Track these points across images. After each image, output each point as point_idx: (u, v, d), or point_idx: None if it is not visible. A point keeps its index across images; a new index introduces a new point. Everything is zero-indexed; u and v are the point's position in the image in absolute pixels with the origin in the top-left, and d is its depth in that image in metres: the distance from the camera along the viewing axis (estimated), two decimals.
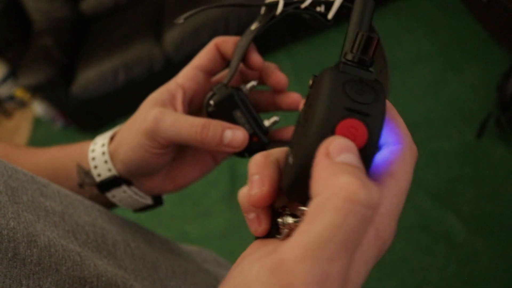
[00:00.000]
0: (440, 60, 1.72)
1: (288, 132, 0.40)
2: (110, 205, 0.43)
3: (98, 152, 0.40)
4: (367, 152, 0.19)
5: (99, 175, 0.39)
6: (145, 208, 0.44)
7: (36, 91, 2.16)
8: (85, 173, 0.40)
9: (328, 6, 0.36)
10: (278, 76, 0.39)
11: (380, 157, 0.21)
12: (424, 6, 1.95)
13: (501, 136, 1.37)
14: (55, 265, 0.28)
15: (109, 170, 0.39)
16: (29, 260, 0.27)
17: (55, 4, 2.36)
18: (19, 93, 2.52)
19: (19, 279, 0.26)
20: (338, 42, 2.04)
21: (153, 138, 0.35)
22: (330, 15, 0.36)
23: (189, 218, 1.73)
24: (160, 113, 0.35)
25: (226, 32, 2.03)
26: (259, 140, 0.38)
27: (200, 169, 0.42)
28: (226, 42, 0.39)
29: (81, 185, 0.41)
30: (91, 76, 2.12)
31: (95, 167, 0.39)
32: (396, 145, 0.22)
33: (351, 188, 0.18)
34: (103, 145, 0.40)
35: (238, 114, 0.37)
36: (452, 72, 1.65)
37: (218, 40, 0.39)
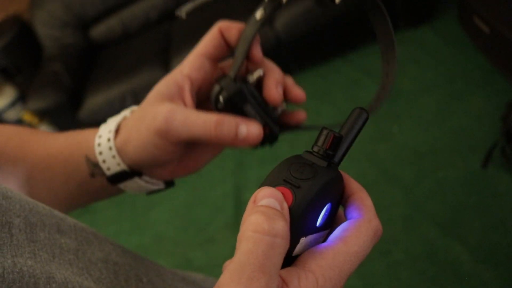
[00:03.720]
0: (445, 90, 1.73)
1: (296, 116, 0.40)
2: (122, 191, 0.43)
3: (105, 147, 0.39)
4: (293, 209, 0.24)
5: (108, 168, 0.39)
6: (159, 191, 0.44)
7: (44, 115, 2.19)
8: (94, 165, 0.39)
9: None
10: (297, 91, 0.40)
11: (340, 226, 0.26)
12: (428, 37, 1.99)
13: (507, 166, 1.37)
14: None
15: (118, 164, 0.39)
16: None
17: (66, 32, 2.41)
18: (27, 117, 2.54)
19: None
20: (342, 71, 2.07)
21: (164, 138, 0.35)
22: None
23: (193, 244, 1.72)
24: (170, 112, 0.35)
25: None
26: (271, 131, 0.38)
27: (211, 152, 0.41)
28: (230, 29, 0.38)
29: (92, 175, 0.40)
30: (98, 102, 2.15)
31: (104, 161, 0.39)
32: (355, 218, 0.26)
33: (257, 222, 0.23)
34: (108, 139, 0.39)
35: (248, 108, 0.37)
36: (457, 102, 1.66)
37: (222, 25, 0.38)
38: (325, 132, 0.27)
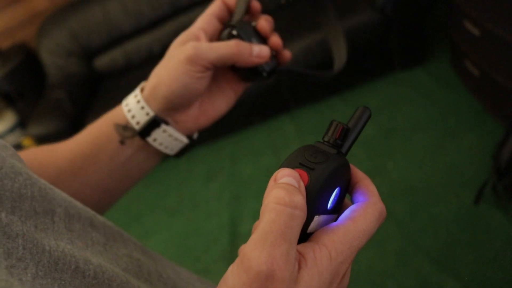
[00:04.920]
0: (438, 128, 1.79)
1: (285, 55, 0.48)
2: (151, 160, 0.47)
3: (133, 103, 0.44)
4: (309, 188, 0.28)
5: (137, 123, 0.44)
6: (183, 151, 0.49)
7: (44, 141, 2.21)
8: (123, 127, 0.44)
9: None
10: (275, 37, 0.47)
11: (348, 208, 0.30)
12: (422, 78, 2.07)
13: (498, 202, 1.41)
14: (108, 281, 0.31)
15: (147, 114, 0.44)
16: (87, 273, 0.30)
17: (70, 61, 2.47)
18: (27, 142, 2.56)
19: None
20: (339, 108, 2.13)
21: (195, 62, 0.41)
22: None
23: None
24: (197, 43, 0.42)
25: None
26: (272, 61, 0.46)
27: (225, 101, 0.48)
28: None
29: (122, 142, 0.45)
30: None
31: (133, 116, 0.44)
32: (362, 201, 0.30)
33: (279, 195, 0.26)
34: (135, 96, 0.45)
35: (254, 40, 0.45)
36: (449, 140, 1.72)
37: None
38: (334, 123, 0.31)
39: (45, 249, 0.28)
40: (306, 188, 0.28)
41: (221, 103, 0.48)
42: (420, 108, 1.93)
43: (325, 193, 0.29)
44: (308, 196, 0.27)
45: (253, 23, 0.47)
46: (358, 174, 0.32)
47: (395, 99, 2.01)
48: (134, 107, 0.44)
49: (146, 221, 2.08)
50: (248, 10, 0.47)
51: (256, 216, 1.86)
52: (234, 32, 0.44)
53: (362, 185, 0.31)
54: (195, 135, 0.50)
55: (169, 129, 0.45)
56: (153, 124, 0.44)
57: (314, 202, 0.28)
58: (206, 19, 0.45)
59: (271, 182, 0.28)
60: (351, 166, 0.32)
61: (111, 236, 0.38)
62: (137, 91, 0.45)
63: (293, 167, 0.29)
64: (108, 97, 2.40)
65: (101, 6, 2.43)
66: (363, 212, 0.29)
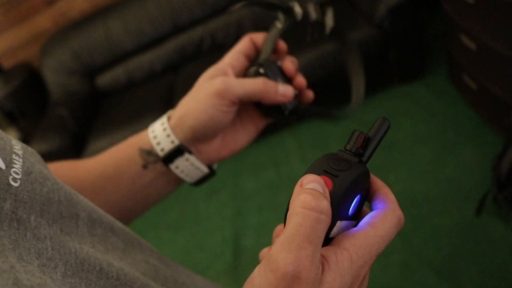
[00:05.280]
0: (438, 141, 1.81)
1: (307, 95, 0.50)
2: (170, 185, 0.49)
3: (159, 130, 0.46)
4: (333, 194, 0.29)
5: (162, 149, 0.46)
6: (202, 180, 0.50)
7: (47, 158, 2.20)
8: (148, 152, 0.46)
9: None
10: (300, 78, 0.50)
11: (368, 215, 0.31)
12: (421, 92, 2.09)
13: (499, 214, 1.42)
14: (130, 282, 0.32)
15: (172, 142, 0.45)
16: (111, 275, 0.31)
17: (73, 79, 2.50)
18: None
19: None
20: (339, 124, 2.15)
21: (223, 96, 0.43)
22: (327, 23, 0.49)
23: None
24: (226, 78, 0.44)
25: None
26: (295, 101, 0.48)
27: (247, 136, 0.50)
28: (258, 35, 0.49)
29: (145, 166, 0.46)
30: (102, 147, 2.20)
31: (158, 143, 0.46)
32: (381, 208, 0.31)
33: (306, 200, 0.27)
34: (162, 123, 0.47)
35: (279, 79, 0.47)
36: (450, 153, 1.74)
37: (251, 34, 0.49)
38: (357, 133, 0.32)
39: (72, 251, 0.29)
40: (330, 194, 0.29)
41: (242, 137, 0.50)
42: (419, 121, 1.95)
43: (347, 199, 0.30)
44: (331, 201, 0.28)
45: (279, 63, 0.48)
46: (377, 182, 0.33)
47: (394, 113, 2.03)
48: (160, 134, 0.46)
49: (149, 237, 2.08)
50: (275, 50, 0.49)
51: (259, 230, 1.87)
52: (261, 71, 0.46)
53: (382, 193, 0.32)
54: (215, 165, 0.51)
55: (192, 158, 0.46)
56: (177, 152, 0.46)
57: (337, 208, 0.29)
58: (234, 56, 0.47)
59: (297, 188, 0.29)
60: (371, 175, 0.33)
61: (129, 242, 0.39)
62: (164, 119, 0.47)
63: (317, 174, 0.30)
64: (110, 114, 2.42)
65: (103, 25, 2.47)
66: (382, 219, 0.30)
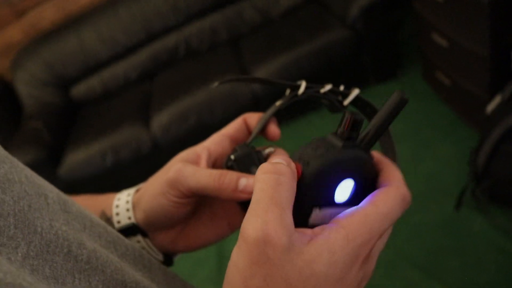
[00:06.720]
0: (415, 139, 1.83)
1: None
2: None
3: (123, 201, 0.42)
4: (303, 180, 0.28)
5: (118, 222, 0.42)
6: None
7: None
8: (106, 219, 0.42)
9: (344, 95, 0.41)
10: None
11: (370, 194, 0.29)
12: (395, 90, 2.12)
13: (478, 207, 1.45)
14: (101, 267, 0.30)
15: (129, 218, 0.42)
16: (80, 258, 0.29)
17: (46, 91, 2.46)
18: None
19: (73, 273, 0.28)
20: (317, 125, 2.15)
21: (174, 186, 0.38)
22: (345, 103, 0.41)
23: None
24: (182, 166, 0.39)
25: (212, 116, 2.14)
26: None
27: (215, 233, 0.43)
28: (253, 116, 0.43)
29: None
30: (79, 158, 2.16)
31: (117, 214, 0.42)
32: (384, 186, 0.30)
33: (264, 166, 0.28)
34: (128, 194, 0.43)
35: (254, 170, 0.39)
36: (427, 150, 1.76)
37: (247, 114, 0.43)
38: (347, 114, 0.29)
39: (37, 230, 0.27)
40: (299, 180, 0.28)
41: (207, 233, 0.43)
42: (396, 119, 1.96)
43: (322, 185, 0.29)
44: (302, 188, 0.28)
45: (266, 151, 0.41)
46: (383, 162, 0.32)
47: None
48: (122, 205, 0.42)
49: None
50: (264, 133, 0.43)
51: None
52: (231, 158, 0.40)
53: (386, 171, 0.31)
54: (175, 257, 0.46)
55: (144, 243, 0.42)
56: (130, 230, 0.42)
57: (309, 193, 0.28)
58: (216, 139, 0.42)
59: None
60: (378, 156, 0.31)
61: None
62: (132, 190, 0.43)
63: (293, 160, 0.29)
64: (86, 125, 2.38)
65: (76, 35, 2.43)
66: (384, 196, 0.28)
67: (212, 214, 0.44)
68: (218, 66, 2.26)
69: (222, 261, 1.74)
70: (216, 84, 0.42)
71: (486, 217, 1.43)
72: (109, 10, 2.45)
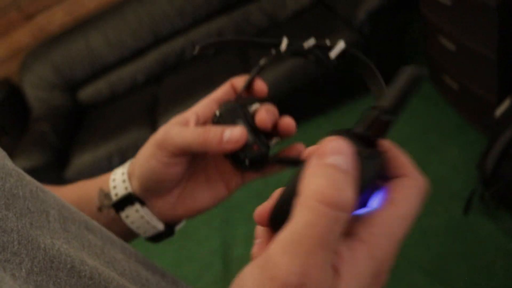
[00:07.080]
0: (422, 142, 1.82)
1: (290, 150, 0.42)
2: (125, 235, 0.44)
3: (119, 174, 0.43)
4: None
5: (116, 194, 0.43)
6: (156, 237, 0.46)
7: (30, 174, 2.17)
8: (105, 195, 0.43)
9: (330, 49, 0.40)
10: (287, 121, 0.42)
11: (380, 192, 0.24)
12: None
13: (487, 211, 1.43)
14: (104, 282, 0.31)
15: (126, 188, 0.42)
16: (83, 274, 0.29)
17: (54, 93, 2.47)
18: None
19: None
20: (324, 127, 2.15)
21: (162, 146, 0.39)
22: (332, 55, 0.39)
23: None
24: (169, 127, 0.40)
25: None
26: (259, 149, 0.39)
27: (212, 196, 0.44)
28: (239, 79, 0.44)
29: (99, 209, 0.44)
30: (85, 161, 2.17)
31: (114, 187, 0.43)
32: (396, 177, 0.25)
33: (324, 191, 0.20)
34: (123, 166, 0.44)
35: (240, 123, 0.39)
36: (434, 153, 1.75)
37: (234, 79, 0.44)
38: (373, 114, 0.24)
39: (40, 246, 0.27)
40: None
41: (205, 195, 0.43)
42: (402, 123, 1.95)
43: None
44: None
45: (254, 106, 0.41)
46: (387, 147, 0.26)
47: None
48: (118, 178, 0.43)
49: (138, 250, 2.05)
50: (249, 88, 0.43)
51: (248, 239, 1.85)
52: (217, 113, 0.40)
53: (394, 159, 0.25)
54: (178, 226, 0.47)
55: (142, 211, 0.43)
56: (127, 200, 0.42)
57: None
58: (204, 103, 0.43)
59: (313, 160, 0.22)
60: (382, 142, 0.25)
61: (108, 240, 0.38)
62: (127, 163, 0.44)
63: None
64: (93, 127, 2.39)
65: (83, 38, 2.45)
66: (402, 192, 0.24)
67: (207, 177, 0.44)
68: (225, 70, 2.26)
69: (227, 264, 1.73)
70: (197, 48, 0.43)
71: (494, 221, 1.41)
72: (116, 14, 2.46)
